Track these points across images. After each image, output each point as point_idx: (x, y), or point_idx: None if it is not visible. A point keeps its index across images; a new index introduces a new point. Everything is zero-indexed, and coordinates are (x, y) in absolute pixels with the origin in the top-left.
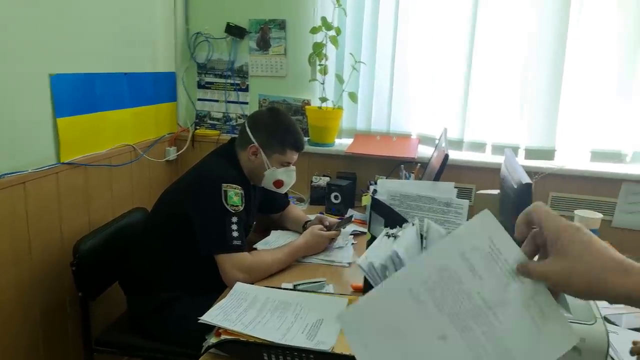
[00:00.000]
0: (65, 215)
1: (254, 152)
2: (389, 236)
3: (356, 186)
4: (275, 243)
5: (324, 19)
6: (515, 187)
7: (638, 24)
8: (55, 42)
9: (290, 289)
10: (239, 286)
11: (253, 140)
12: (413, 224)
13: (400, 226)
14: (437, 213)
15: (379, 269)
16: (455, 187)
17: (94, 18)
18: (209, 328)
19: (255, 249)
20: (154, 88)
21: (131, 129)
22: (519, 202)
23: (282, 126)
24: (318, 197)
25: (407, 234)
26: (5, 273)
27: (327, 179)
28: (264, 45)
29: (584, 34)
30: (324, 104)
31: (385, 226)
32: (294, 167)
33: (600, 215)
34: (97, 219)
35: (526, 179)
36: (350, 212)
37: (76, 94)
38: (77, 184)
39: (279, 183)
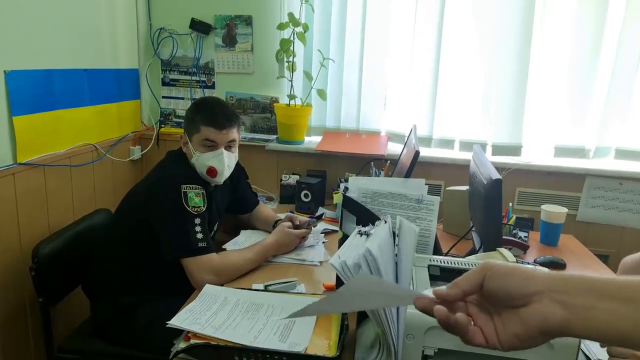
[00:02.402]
0: (23, 217)
1: (184, 142)
2: (361, 234)
3: (326, 184)
4: (245, 243)
5: (291, 15)
6: (485, 182)
7: (597, 24)
8: (10, 37)
9: (262, 290)
10: (208, 288)
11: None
12: (385, 222)
13: (373, 224)
14: (409, 210)
15: (352, 268)
16: (425, 184)
17: (51, 12)
18: (177, 332)
19: (224, 249)
20: (116, 85)
21: (93, 127)
22: (489, 197)
23: (196, 107)
24: (288, 196)
25: (380, 231)
26: None
27: (297, 177)
28: (230, 41)
29: (547, 33)
30: (292, 102)
31: (357, 224)
32: (223, 151)
33: (565, 210)
34: (57, 222)
35: (496, 175)
36: (320, 210)
37: (33, 91)
38: (35, 185)
39: (211, 172)
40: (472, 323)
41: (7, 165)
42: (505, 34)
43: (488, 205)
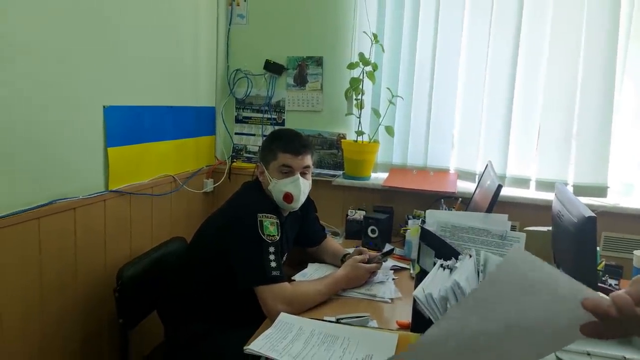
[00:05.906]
0: (109, 241)
1: (260, 171)
2: (444, 268)
3: (393, 220)
4: (313, 276)
5: (361, 54)
6: (576, 221)
7: None
8: (110, 75)
9: (334, 322)
10: (283, 316)
11: (259, 161)
12: (470, 256)
13: (456, 258)
14: (492, 246)
15: (438, 301)
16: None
17: (146, 53)
18: None
19: (294, 280)
20: (195, 121)
21: (173, 160)
22: (582, 236)
23: (273, 136)
24: (354, 231)
25: (466, 265)
26: (51, 299)
27: (363, 212)
28: (301, 81)
29: (634, 64)
30: (360, 138)
31: (436, 258)
32: (299, 176)
33: None
34: (137, 247)
35: (588, 212)
36: (388, 246)
37: (126, 125)
38: (121, 212)
39: (288, 197)
40: None
41: (100, 192)
42: (587, 65)
43: (580, 245)
